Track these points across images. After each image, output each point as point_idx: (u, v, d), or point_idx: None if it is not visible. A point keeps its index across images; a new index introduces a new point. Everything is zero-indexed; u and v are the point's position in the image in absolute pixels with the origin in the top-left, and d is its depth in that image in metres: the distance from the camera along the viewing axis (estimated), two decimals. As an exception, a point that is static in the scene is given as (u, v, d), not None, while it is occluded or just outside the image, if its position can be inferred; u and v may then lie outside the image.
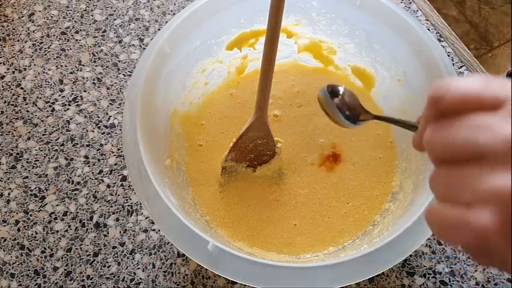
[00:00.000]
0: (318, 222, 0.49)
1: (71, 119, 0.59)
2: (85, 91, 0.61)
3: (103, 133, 0.58)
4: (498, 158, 0.22)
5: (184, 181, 0.51)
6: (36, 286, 0.50)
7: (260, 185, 0.51)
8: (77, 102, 0.60)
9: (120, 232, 0.53)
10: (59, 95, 0.60)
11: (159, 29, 0.64)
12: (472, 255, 0.24)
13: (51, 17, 0.66)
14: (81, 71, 0.62)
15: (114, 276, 0.51)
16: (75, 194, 0.55)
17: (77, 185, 0.55)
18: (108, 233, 0.53)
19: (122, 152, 0.57)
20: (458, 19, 1.49)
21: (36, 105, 0.60)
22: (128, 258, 0.51)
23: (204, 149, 0.53)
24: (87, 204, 0.54)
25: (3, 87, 0.61)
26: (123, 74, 0.62)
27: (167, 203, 0.40)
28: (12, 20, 0.66)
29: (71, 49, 0.63)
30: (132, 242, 0.52)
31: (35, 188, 0.55)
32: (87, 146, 0.57)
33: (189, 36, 0.50)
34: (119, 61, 0.62)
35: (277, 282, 0.38)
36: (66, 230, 0.53)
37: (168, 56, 0.48)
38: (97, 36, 0.64)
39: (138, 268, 0.51)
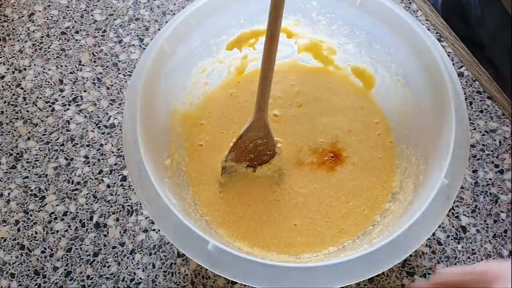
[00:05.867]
0: (318, 222, 0.49)
1: (71, 119, 0.59)
2: (85, 91, 0.61)
3: (103, 133, 0.58)
4: None
5: (184, 181, 0.51)
6: (36, 286, 0.50)
7: (260, 185, 0.51)
8: (77, 102, 0.60)
9: (120, 232, 0.53)
10: (59, 95, 0.60)
11: (159, 29, 0.64)
12: None
13: (51, 17, 0.66)
14: (81, 71, 0.62)
15: (114, 276, 0.51)
16: (75, 194, 0.55)
17: (77, 185, 0.55)
18: (108, 233, 0.53)
19: (122, 152, 0.57)
20: (458, 19, 1.49)
21: (36, 105, 0.60)
22: (128, 258, 0.51)
23: (204, 149, 0.53)
24: (87, 204, 0.54)
25: (3, 87, 0.61)
26: (123, 74, 0.62)
27: (167, 203, 0.40)
28: (12, 20, 0.66)
29: (71, 49, 0.63)
30: (132, 242, 0.52)
31: (35, 188, 0.55)
32: (87, 146, 0.57)
33: (189, 36, 0.50)
34: (119, 61, 0.62)
35: (277, 282, 0.38)
36: (66, 230, 0.53)
37: (168, 56, 0.48)
38: (97, 36, 0.64)
39: (138, 268, 0.51)
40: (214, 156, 0.52)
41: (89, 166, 0.56)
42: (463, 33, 0.65)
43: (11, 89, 0.61)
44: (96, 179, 0.55)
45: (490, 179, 0.54)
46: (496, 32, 0.66)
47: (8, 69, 0.62)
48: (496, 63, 0.69)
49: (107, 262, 0.51)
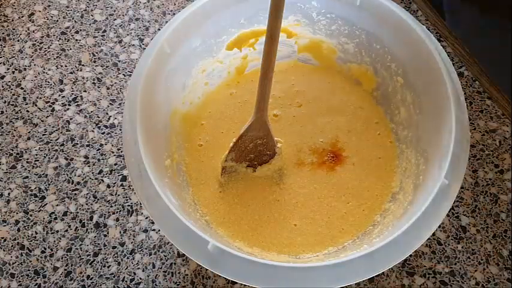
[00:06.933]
0: (318, 222, 0.49)
1: (71, 119, 0.59)
2: (85, 91, 0.61)
3: (103, 133, 0.58)
4: None
5: (184, 181, 0.51)
6: (36, 286, 0.50)
7: (260, 185, 0.51)
8: (77, 102, 0.60)
9: (120, 232, 0.53)
10: (59, 95, 0.60)
11: (159, 29, 0.64)
12: None
13: (51, 17, 0.66)
14: (81, 71, 0.62)
15: (114, 276, 0.51)
16: (75, 194, 0.55)
17: (77, 185, 0.55)
18: (108, 233, 0.53)
19: (122, 152, 0.57)
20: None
21: (36, 105, 0.60)
22: (128, 258, 0.51)
23: (204, 149, 0.53)
24: (87, 204, 0.54)
25: (3, 87, 0.61)
26: (123, 74, 0.62)
27: (167, 203, 0.40)
28: (12, 20, 0.66)
29: (71, 49, 0.63)
30: (132, 242, 0.52)
31: (35, 188, 0.55)
32: (87, 146, 0.57)
33: (189, 36, 0.50)
34: (119, 61, 0.62)
35: (277, 282, 0.38)
36: (66, 230, 0.53)
37: (168, 56, 0.48)
38: (97, 36, 0.64)
39: (138, 268, 0.51)
40: (214, 156, 0.52)
41: (89, 166, 0.56)
42: None
43: (11, 89, 0.61)
44: (96, 179, 0.55)
45: (490, 179, 0.54)
46: None
47: (8, 69, 0.62)
48: (453, 11, 0.66)
49: (107, 262, 0.51)
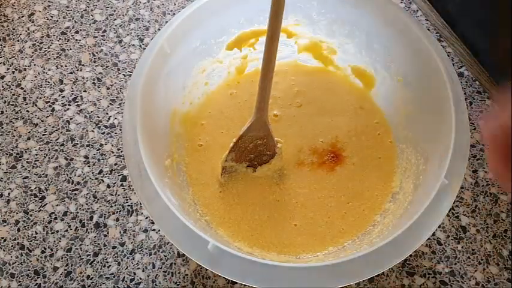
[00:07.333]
0: (318, 222, 0.49)
1: (71, 119, 0.59)
2: (85, 91, 0.61)
3: (103, 133, 0.58)
4: None
5: (184, 181, 0.51)
6: (36, 286, 0.50)
7: (260, 185, 0.51)
8: (77, 102, 0.60)
9: (120, 232, 0.53)
10: (59, 95, 0.60)
11: (159, 29, 0.64)
12: None
13: (51, 17, 0.66)
14: (81, 71, 0.62)
15: (114, 276, 0.51)
16: (75, 194, 0.55)
17: (77, 185, 0.55)
18: (108, 233, 0.53)
19: (122, 152, 0.57)
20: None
21: (36, 105, 0.60)
22: (127, 258, 0.51)
23: (204, 149, 0.53)
24: (87, 204, 0.54)
25: (3, 87, 0.61)
26: (123, 74, 0.62)
27: (167, 203, 0.40)
28: (12, 20, 0.66)
29: (71, 49, 0.63)
30: (132, 242, 0.52)
31: (35, 188, 0.55)
32: (87, 146, 0.57)
33: (189, 36, 0.50)
34: (119, 61, 0.62)
35: (277, 282, 0.38)
36: (66, 230, 0.53)
37: (168, 56, 0.48)
38: (97, 36, 0.64)
39: (138, 268, 0.51)
40: (214, 156, 0.52)
41: (89, 166, 0.56)
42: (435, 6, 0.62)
43: (11, 89, 0.61)
44: (96, 179, 0.55)
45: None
46: (463, 3, 0.63)
47: (8, 69, 0.62)
48: (467, 36, 0.64)
49: (107, 262, 0.51)
